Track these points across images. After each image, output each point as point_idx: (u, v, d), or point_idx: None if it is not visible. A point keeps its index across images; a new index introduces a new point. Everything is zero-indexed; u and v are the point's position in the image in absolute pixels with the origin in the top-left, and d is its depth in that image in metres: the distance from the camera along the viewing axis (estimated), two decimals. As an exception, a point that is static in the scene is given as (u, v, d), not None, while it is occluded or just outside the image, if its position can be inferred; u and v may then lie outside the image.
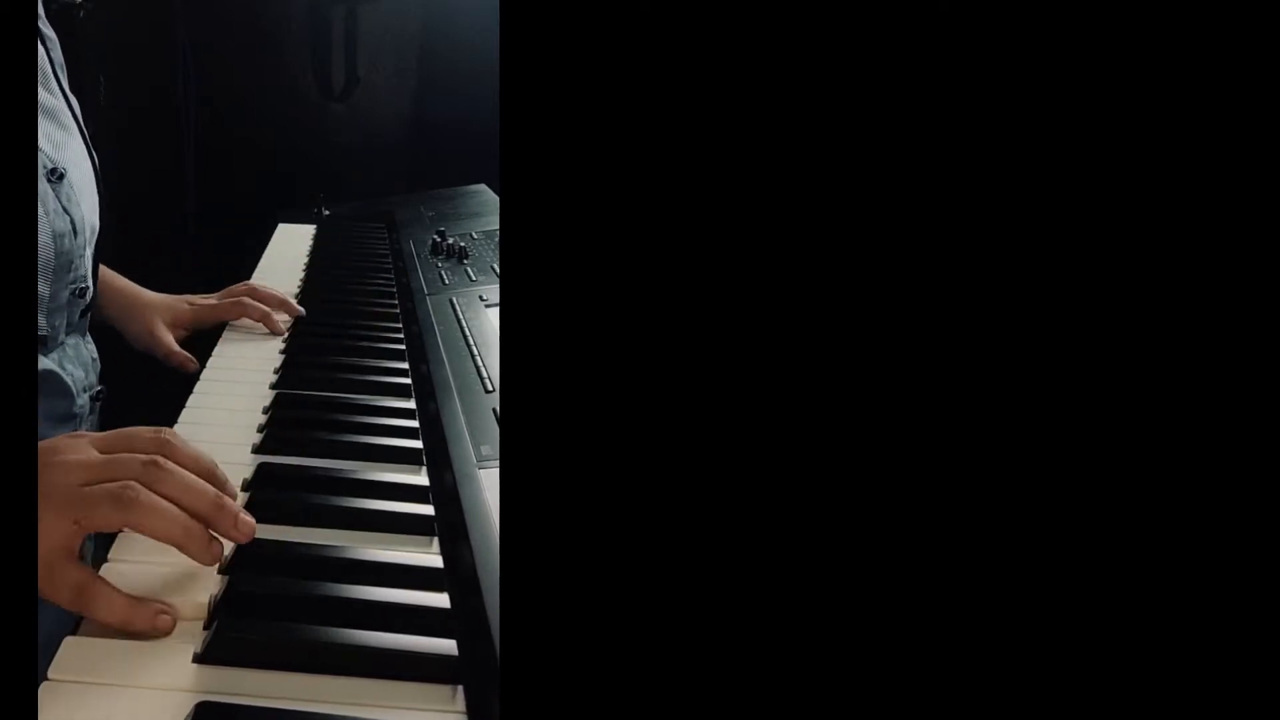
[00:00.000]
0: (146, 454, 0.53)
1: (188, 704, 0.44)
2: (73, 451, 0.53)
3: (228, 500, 0.53)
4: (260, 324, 0.96)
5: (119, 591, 0.50)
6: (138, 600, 0.50)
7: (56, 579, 0.49)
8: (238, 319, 0.98)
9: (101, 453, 0.53)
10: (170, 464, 0.52)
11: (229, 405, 0.77)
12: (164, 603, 0.51)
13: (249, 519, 0.53)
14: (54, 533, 0.49)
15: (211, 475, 0.54)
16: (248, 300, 0.98)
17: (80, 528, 0.50)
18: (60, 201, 0.73)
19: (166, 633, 0.50)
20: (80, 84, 0.85)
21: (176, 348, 0.93)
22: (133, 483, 0.50)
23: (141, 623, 0.49)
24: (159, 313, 0.95)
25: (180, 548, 0.51)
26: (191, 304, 0.98)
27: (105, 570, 0.53)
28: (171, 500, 0.51)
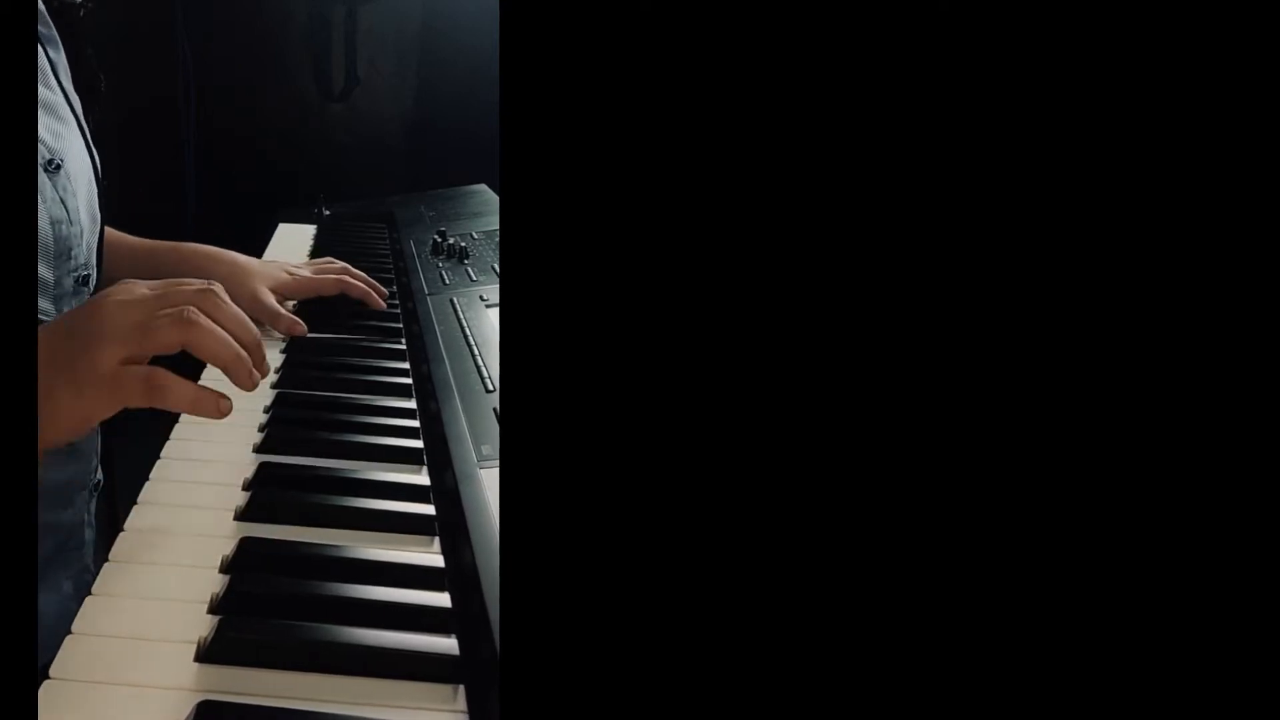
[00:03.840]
0: (205, 292, 0.60)
1: (189, 703, 0.44)
2: (127, 293, 0.60)
3: (262, 349, 0.62)
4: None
5: (185, 381, 0.58)
6: (201, 387, 0.58)
7: (125, 381, 0.57)
8: (335, 293, 1.00)
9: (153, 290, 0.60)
10: (222, 294, 0.61)
11: (230, 405, 0.77)
12: (220, 393, 0.59)
13: (259, 375, 0.61)
14: (117, 353, 0.57)
15: (246, 328, 0.62)
16: (348, 279, 1.00)
17: (145, 350, 0.57)
18: (57, 191, 0.74)
19: (227, 414, 0.59)
20: (80, 83, 0.85)
21: (284, 311, 0.93)
22: (192, 307, 0.58)
23: (208, 406, 0.58)
24: (262, 279, 0.96)
25: (227, 371, 0.60)
26: (291, 274, 0.99)
27: (106, 570, 0.53)
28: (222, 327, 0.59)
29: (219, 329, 0.59)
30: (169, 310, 0.58)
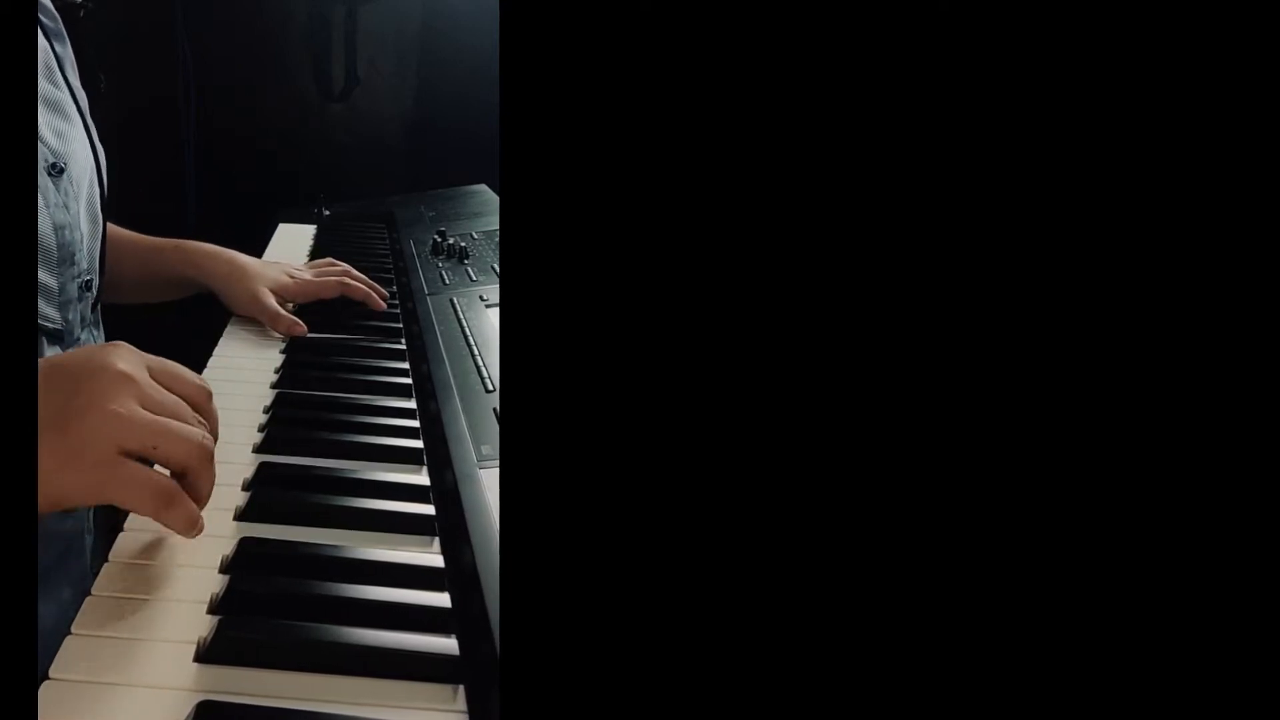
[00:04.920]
0: (198, 407, 0.57)
1: (188, 703, 0.44)
2: (130, 361, 0.54)
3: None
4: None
5: (192, 503, 0.53)
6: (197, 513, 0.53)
7: (129, 479, 0.50)
8: (336, 295, 1.00)
9: (155, 379, 0.55)
10: (214, 412, 0.59)
11: (230, 405, 0.77)
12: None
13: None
14: (120, 438, 0.50)
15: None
16: (349, 281, 1.00)
17: (153, 456, 0.52)
18: (60, 195, 0.73)
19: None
20: (81, 82, 0.85)
21: (284, 311, 0.93)
22: (209, 437, 0.54)
23: (194, 529, 0.53)
24: (263, 281, 0.96)
25: (199, 500, 0.54)
26: (292, 277, 0.99)
27: (106, 570, 0.53)
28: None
29: (213, 470, 0.55)
30: (181, 428, 0.53)
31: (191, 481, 0.53)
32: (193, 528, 0.53)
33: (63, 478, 0.49)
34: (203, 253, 0.98)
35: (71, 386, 0.51)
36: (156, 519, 0.52)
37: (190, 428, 0.53)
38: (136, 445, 0.51)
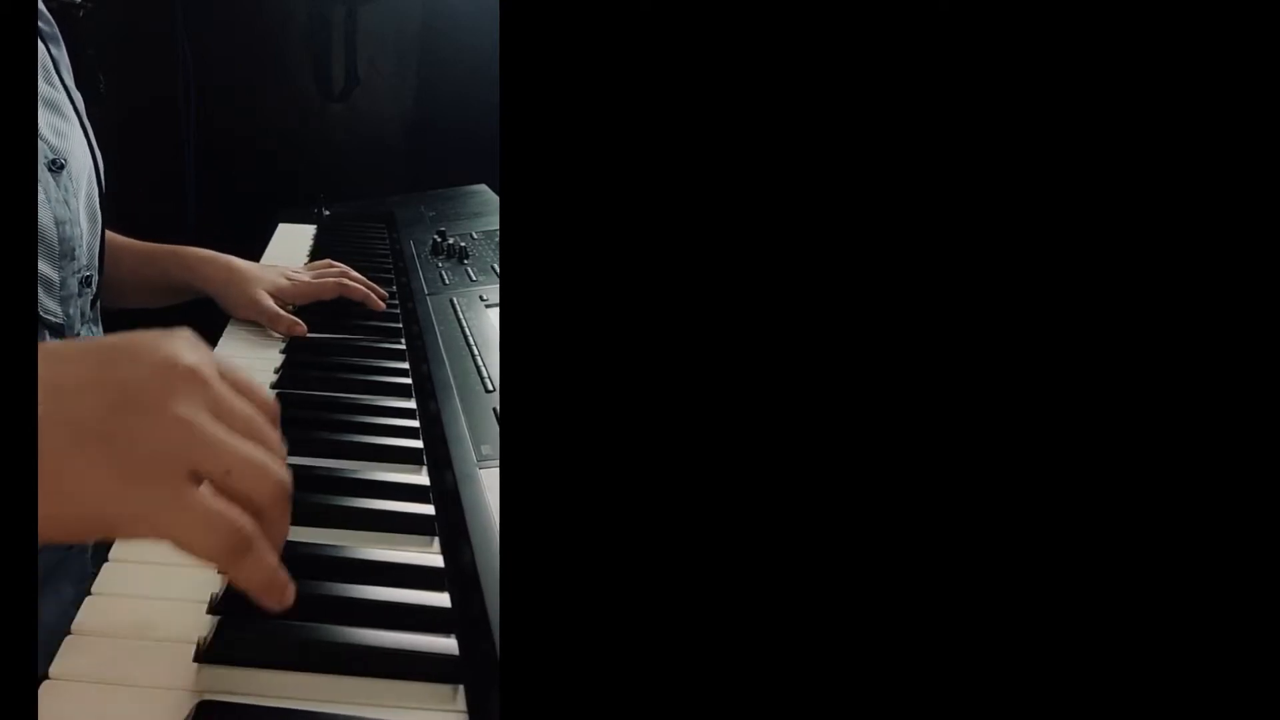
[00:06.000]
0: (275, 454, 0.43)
1: (189, 703, 0.44)
2: (203, 359, 0.42)
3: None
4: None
5: (271, 552, 0.41)
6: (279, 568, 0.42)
7: (209, 515, 0.38)
8: (334, 297, 1.00)
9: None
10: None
11: (229, 405, 0.77)
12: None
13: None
14: (198, 454, 0.38)
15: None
16: (347, 282, 1.00)
17: (229, 482, 0.39)
18: (61, 191, 0.74)
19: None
20: (80, 83, 0.85)
21: (284, 312, 0.93)
22: (289, 481, 0.42)
23: (275, 594, 0.42)
24: (261, 284, 0.96)
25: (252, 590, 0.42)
26: (290, 279, 0.99)
27: (106, 570, 0.53)
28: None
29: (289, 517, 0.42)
30: (261, 456, 0.41)
31: (265, 528, 0.41)
32: (271, 588, 0.41)
33: (104, 501, 0.37)
34: (199, 258, 0.98)
35: (123, 380, 0.38)
36: (223, 570, 0.41)
37: (273, 457, 0.42)
38: (209, 466, 0.39)
